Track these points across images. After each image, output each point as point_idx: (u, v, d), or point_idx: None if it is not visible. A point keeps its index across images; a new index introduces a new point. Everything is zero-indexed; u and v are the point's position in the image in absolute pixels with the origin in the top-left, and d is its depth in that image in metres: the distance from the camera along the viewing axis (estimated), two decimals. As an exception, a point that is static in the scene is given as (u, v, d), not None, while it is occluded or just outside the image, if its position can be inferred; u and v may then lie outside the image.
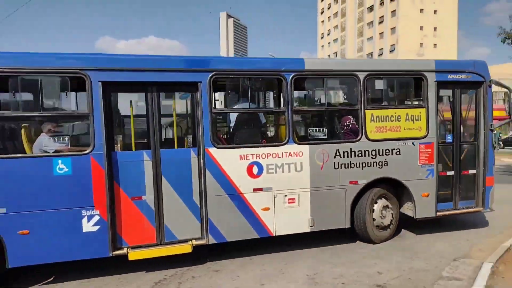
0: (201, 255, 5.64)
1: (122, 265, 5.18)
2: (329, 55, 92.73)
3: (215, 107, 5.91)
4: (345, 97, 7.17)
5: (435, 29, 70.57)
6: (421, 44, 70.32)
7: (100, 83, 4.88)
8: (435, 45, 70.84)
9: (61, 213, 4.78)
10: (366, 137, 5.91)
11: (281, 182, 5.59)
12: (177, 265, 5.29)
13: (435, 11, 70.39)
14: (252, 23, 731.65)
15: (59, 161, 4.77)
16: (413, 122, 6.17)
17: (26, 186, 4.66)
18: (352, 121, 6.04)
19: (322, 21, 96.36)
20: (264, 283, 4.68)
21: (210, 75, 5.25)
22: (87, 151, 4.86)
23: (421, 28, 70.03)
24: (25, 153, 4.80)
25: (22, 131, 4.91)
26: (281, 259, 5.48)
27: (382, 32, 73.74)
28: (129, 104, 5.28)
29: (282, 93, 5.81)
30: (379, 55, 74.49)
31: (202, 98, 5.23)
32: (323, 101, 6.20)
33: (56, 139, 4.93)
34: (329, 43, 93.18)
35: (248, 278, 4.85)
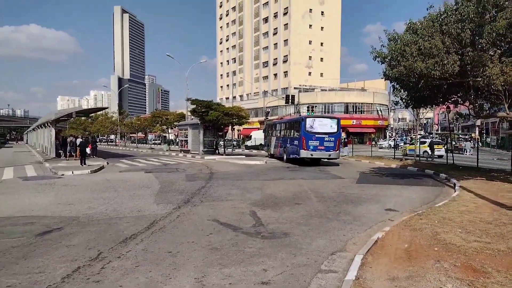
0: (81, 269, 5.12)
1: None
2: (227, 61, 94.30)
3: None
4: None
5: (322, 44, 77.17)
6: (310, 57, 76.21)
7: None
8: (321, 59, 77.45)
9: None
10: None
11: None
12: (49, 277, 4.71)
13: (322, 28, 76.96)
14: (151, 22, 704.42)
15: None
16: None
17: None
18: None
19: (221, 27, 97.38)
20: (149, 291, 4.44)
21: None
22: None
23: (310, 42, 75.87)
24: None
25: None
26: (170, 264, 5.29)
27: (276, 43, 77.84)
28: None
29: None
30: (273, 64, 78.45)
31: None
32: None
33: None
34: (227, 48, 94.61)
35: (131, 287, 4.54)
